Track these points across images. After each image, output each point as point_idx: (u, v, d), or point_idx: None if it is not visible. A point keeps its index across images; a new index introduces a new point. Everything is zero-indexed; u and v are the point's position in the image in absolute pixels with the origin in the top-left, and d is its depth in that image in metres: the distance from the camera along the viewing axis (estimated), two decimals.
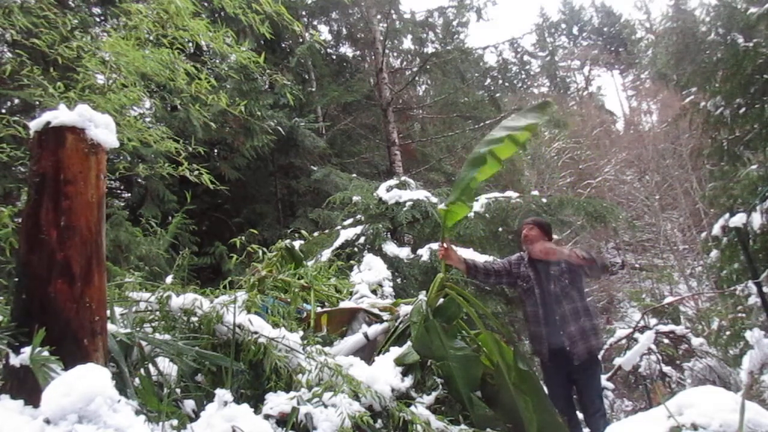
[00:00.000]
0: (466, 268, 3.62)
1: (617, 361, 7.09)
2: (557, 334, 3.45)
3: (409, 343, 3.12)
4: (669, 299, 9.80)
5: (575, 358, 3.39)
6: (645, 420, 1.74)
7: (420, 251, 6.46)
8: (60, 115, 1.82)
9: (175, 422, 1.86)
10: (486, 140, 3.37)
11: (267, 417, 2.12)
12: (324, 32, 14.08)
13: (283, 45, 11.99)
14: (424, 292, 3.60)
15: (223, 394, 1.89)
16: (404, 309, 3.54)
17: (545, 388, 3.55)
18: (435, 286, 3.39)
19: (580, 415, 3.66)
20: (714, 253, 7.92)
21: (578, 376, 3.49)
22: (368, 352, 3.36)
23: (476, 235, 6.40)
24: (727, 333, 7.61)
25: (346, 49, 15.36)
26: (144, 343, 2.15)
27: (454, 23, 13.81)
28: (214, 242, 8.72)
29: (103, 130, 1.88)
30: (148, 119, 6.92)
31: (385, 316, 3.69)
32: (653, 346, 6.98)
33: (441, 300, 3.38)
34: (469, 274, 3.67)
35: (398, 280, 5.90)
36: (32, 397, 1.53)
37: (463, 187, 3.30)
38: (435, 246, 6.32)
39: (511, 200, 6.85)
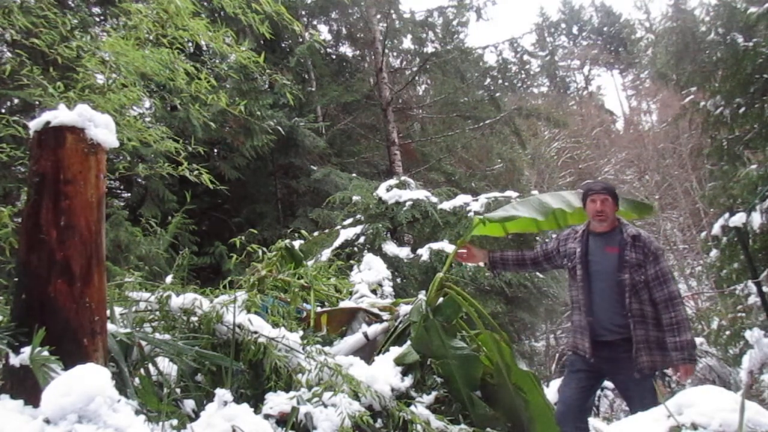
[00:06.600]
0: (491, 262, 3.44)
1: None
2: (604, 329, 3.05)
3: (408, 342, 3.12)
4: None
5: (636, 370, 2.96)
6: (645, 420, 1.74)
7: (420, 251, 6.46)
8: (60, 115, 1.82)
9: (175, 422, 1.86)
10: (565, 201, 3.48)
11: (267, 417, 2.12)
12: (324, 32, 14.06)
13: (283, 45, 11.97)
14: (423, 291, 3.60)
15: (222, 393, 1.89)
16: (404, 309, 3.54)
17: (564, 385, 3.26)
18: (434, 285, 3.39)
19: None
20: (714, 253, 7.93)
21: (632, 388, 3.06)
22: (368, 351, 3.36)
23: (476, 235, 6.38)
24: (727, 333, 7.62)
25: (346, 49, 15.35)
26: (144, 343, 2.15)
27: (454, 23, 13.79)
28: (214, 242, 8.71)
29: (102, 129, 1.88)
30: (147, 119, 6.90)
31: (385, 315, 3.69)
32: None
33: (440, 299, 3.39)
34: (496, 267, 3.45)
35: (398, 280, 5.90)
36: (32, 397, 1.53)
37: (512, 215, 3.38)
38: (436, 246, 6.32)
39: (511, 200, 6.84)
